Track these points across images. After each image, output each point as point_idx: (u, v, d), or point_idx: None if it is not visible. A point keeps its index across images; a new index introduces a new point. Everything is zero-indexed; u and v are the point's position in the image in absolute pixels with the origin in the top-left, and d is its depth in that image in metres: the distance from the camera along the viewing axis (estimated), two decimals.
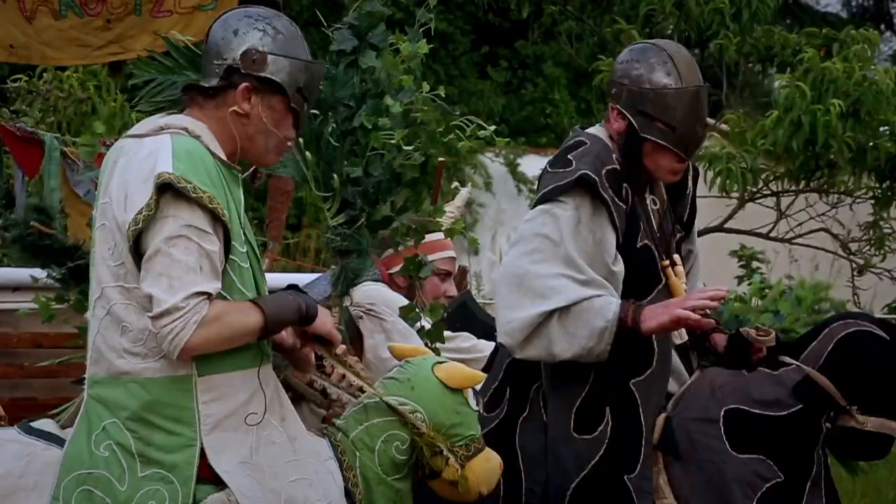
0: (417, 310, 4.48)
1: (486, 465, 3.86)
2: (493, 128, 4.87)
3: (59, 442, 3.64)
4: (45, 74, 9.48)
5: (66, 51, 6.33)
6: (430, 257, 4.96)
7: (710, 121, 10.19)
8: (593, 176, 4.12)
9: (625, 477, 4.14)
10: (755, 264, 11.72)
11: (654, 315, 4.06)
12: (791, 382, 4.18)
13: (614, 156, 4.23)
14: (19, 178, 8.01)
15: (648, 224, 4.27)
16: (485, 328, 6.14)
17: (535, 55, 18.89)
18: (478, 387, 4.17)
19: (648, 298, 4.19)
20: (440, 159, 7.15)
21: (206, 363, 3.54)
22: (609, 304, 4.08)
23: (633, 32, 8.96)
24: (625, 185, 4.20)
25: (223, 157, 3.64)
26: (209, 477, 3.53)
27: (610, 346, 4.08)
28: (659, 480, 4.17)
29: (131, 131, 3.70)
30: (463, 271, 7.22)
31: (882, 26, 25.98)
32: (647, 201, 4.32)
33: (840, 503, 4.30)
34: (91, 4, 6.25)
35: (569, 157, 4.21)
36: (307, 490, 3.64)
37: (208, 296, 3.46)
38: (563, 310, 4.09)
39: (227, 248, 3.55)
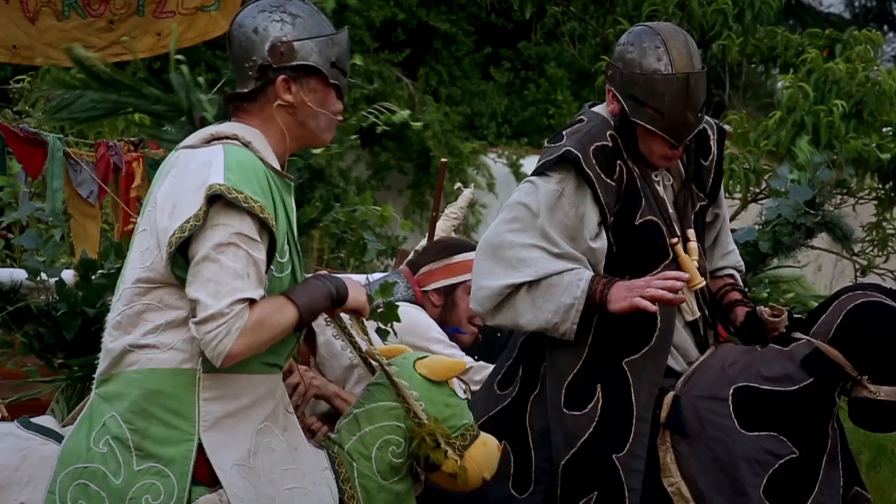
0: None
1: (485, 451, 3.88)
2: (407, 112, 4.92)
3: (57, 438, 3.66)
4: (47, 75, 9.48)
5: None
6: (464, 277, 4.92)
7: (712, 120, 10.20)
8: (575, 152, 4.17)
9: (613, 455, 4.15)
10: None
11: (619, 297, 4.09)
12: (801, 356, 4.19)
13: (609, 133, 4.25)
14: (22, 179, 8.02)
15: (656, 199, 4.28)
16: (487, 327, 6.14)
17: (538, 56, 18.87)
18: (481, 375, 4.16)
19: (655, 272, 4.20)
20: (443, 160, 7.15)
21: (210, 362, 3.54)
22: (579, 279, 4.11)
23: None
24: (619, 162, 4.22)
25: (275, 163, 3.66)
26: (204, 477, 3.54)
27: (576, 324, 4.11)
28: (666, 459, 4.17)
29: (184, 142, 3.72)
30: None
31: (885, 27, 25.94)
32: (658, 177, 4.33)
33: (860, 476, 4.30)
34: (94, 5, 6.25)
35: (563, 132, 4.29)
36: (302, 500, 3.65)
37: (251, 302, 3.48)
38: (533, 282, 4.14)
39: (270, 258, 3.58)
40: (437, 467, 3.85)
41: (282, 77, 3.67)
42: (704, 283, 4.26)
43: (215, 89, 4.23)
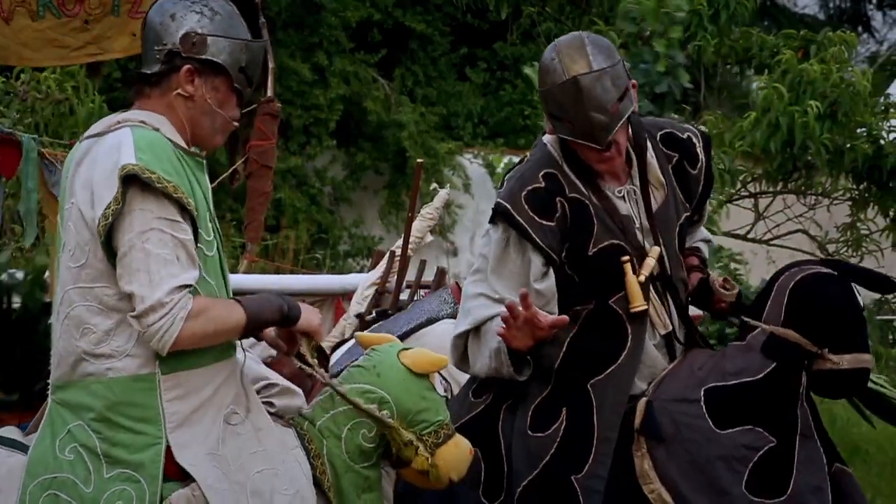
0: None
1: (456, 452, 3.88)
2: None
3: (22, 448, 3.63)
4: (22, 75, 9.45)
5: (43, 51, 6.31)
6: None
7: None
8: (505, 204, 4.22)
9: (572, 477, 4.16)
10: (733, 265, 11.74)
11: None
12: (760, 345, 4.21)
13: (544, 172, 4.27)
14: None
15: (613, 218, 4.27)
16: None
17: (514, 56, 18.86)
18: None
19: (619, 295, 4.22)
20: (419, 161, 7.15)
21: (169, 361, 3.54)
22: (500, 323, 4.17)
23: (612, 34, 8.96)
24: (559, 199, 4.24)
25: (184, 144, 3.65)
26: (175, 474, 3.53)
27: (514, 366, 4.17)
28: (643, 465, 4.18)
29: (89, 132, 3.70)
30: (441, 273, 7.22)
31: (859, 28, 26.04)
32: (622, 192, 4.32)
33: (837, 451, 4.30)
34: (69, 5, 6.23)
35: (506, 177, 4.36)
36: (273, 480, 3.64)
37: (190, 287, 3.47)
38: (474, 330, 4.25)
39: (195, 236, 3.56)
40: (408, 463, 3.85)
41: (187, 67, 3.66)
42: (645, 306, 4.21)
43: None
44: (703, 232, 4.64)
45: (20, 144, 8.11)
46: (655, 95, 7.53)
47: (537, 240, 4.20)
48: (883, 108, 8.76)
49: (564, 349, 4.22)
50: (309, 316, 3.79)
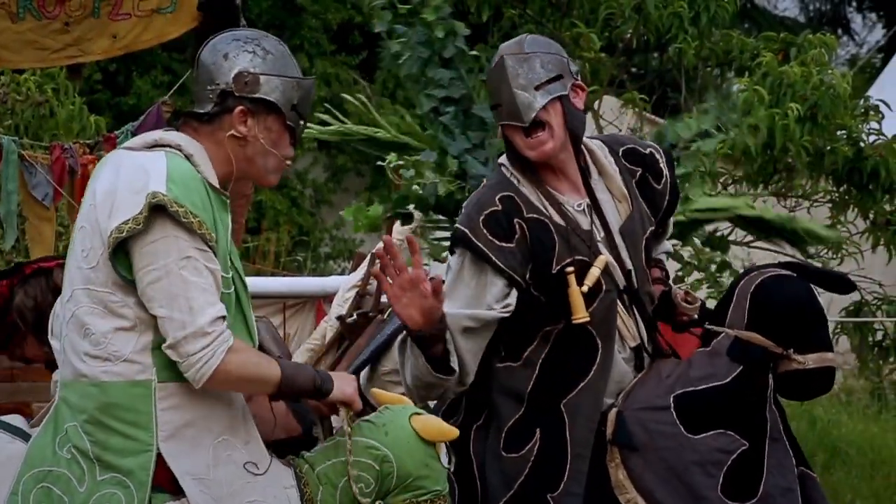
0: None
1: None
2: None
3: (25, 437, 3.66)
4: (2, 77, 9.43)
5: (23, 53, 6.29)
6: None
7: (659, 120, 10.22)
8: (463, 229, 4.24)
9: (548, 495, 4.18)
10: (712, 267, 11.75)
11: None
12: (725, 349, 4.23)
13: (500, 195, 4.30)
14: None
15: (578, 236, 4.28)
16: None
17: None
18: None
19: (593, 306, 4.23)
20: (399, 162, 7.14)
21: (166, 370, 3.54)
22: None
23: (593, 36, 8.97)
24: (517, 221, 4.26)
25: (213, 179, 3.65)
26: (166, 484, 3.53)
27: (425, 358, 4.16)
28: (618, 475, 4.19)
29: (126, 145, 3.72)
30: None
31: (839, 31, 26.12)
32: (581, 205, 4.33)
33: (803, 454, 4.32)
34: (49, 7, 6.21)
35: (464, 204, 4.38)
36: None
37: (226, 320, 3.50)
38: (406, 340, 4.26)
39: None
40: None
41: (241, 108, 3.69)
42: (587, 318, 4.21)
43: (172, 91, 4.25)
44: (665, 244, 4.66)
45: (0, 147, 8.09)
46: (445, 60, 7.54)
47: (498, 262, 4.22)
48: (863, 110, 8.77)
49: (537, 371, 4.25)
50: (343, 387, 3.80)
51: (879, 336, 9.15)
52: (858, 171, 8.56)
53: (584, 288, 4.21)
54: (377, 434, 3.85)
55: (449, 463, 3.97)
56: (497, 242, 4.23)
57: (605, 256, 4.27)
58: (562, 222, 4.28)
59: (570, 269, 4.22)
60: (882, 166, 8.45)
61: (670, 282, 4.58)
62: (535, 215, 4.28)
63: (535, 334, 4.26)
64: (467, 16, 9.85)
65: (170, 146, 3.63)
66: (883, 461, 9.33)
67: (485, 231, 4.24)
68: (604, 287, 4.26)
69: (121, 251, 3.51)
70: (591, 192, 4.35)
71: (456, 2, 9.18)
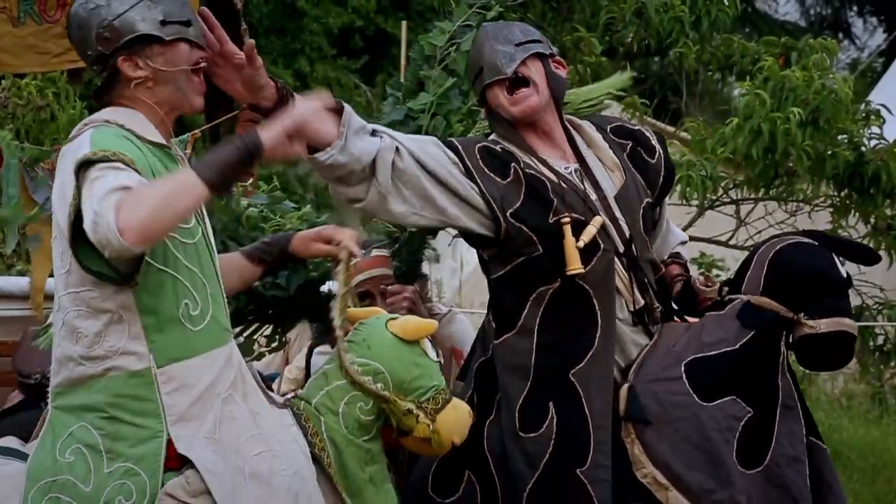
0: None
1: (455, 415, 3.88)
2: None
3: (19, 456, 3.64)
4: (3, 81, 9.44)
5: (24, 58, 6.28)
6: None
7: (670, 128, 10.22)
8: (454, 141, 4.25)
9: (577, 471, 4.13)
10: (715, 272, 11.75)
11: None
12: (736, 313, 4.22)
13: (495, 143, 4.31)
14: None
15: (577, 194, 4.24)
16: None
17: None
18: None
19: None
20: None
21: (162, 354, 3.53)
22: None
23: (594, 41, 8.97)
24: (513, 165, 4.23)
25: (156, 137, 3.60)
26: (176, 467, 3.53)
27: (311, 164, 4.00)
28: (634, 451, 4.17)
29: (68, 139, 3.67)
30: (423, 279, 7.20)
31: (840, 35, 26.13)
32: (567, 171, 4.32)
33: (815, 425, 4.32)
34: (50, 11, 6.20)
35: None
36: (272, 461, 3.64)
37: (126, 187, 3.32)
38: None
39: None
40: (409, 432, 3.85)
41: (121, 58, 3.62)
42: (581, 269, 4.15)
43: None
44: (677, 234, 4.63)
45: (1, 151, 8.10)
46: None
47: (482, 185, 4.16)
48: (864, 115, 8.77)
49: (536, 339, 4.19)
50: (270, 134, 3.55)
51: (880, 340, 9.14)
52: (859, 175, 8.56)
53: (581, 243, 4.16)
54: (361, 350, 3.84)
55: (438, 356, 3.96)
56: (487, 172, 4.20)
57: (601, 217, 4.23)
58: (556, 180, 4.25)
59: (566, 219, 4.17)
60: (883, 171, 8.44)
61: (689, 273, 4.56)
62: (531, 171, 4.25)
63: (528, 296, 4.20)
64: None
65: (97, 123, 3.60)
66: (884, 465, 9.34)
67: (478, 157, 4.22)
68: (601, 246, 4.21)
69: (80, 240, 3.44)
70: (580, 159, 4.33)
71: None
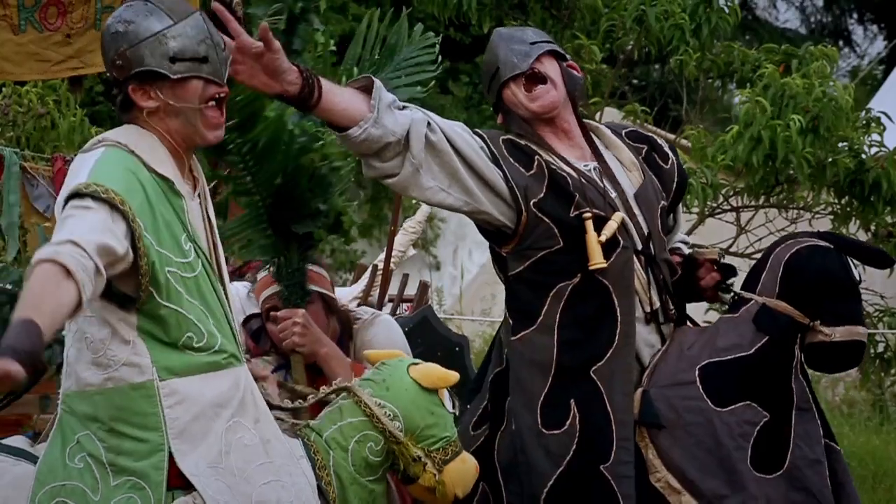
0: None
1: (462, 468, 3.88)
2: None
3: (29, 458, 3.64)
4: (3, 89, 9.44)
5: (25, 66, 6.29)
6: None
7: (670, 136, 10.21)
8: (481, 132, 4.30)
9: (601, 467, 4.12)
10: None
11: None
12: (752, 317, 4.21)
13: (519, 139, 4.33)
14: None
15: (597, 190, 4.25)
16: (445, 343, 6.12)
17: None
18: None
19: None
20: None
21: (165, 369, 3.53)
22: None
23: (594, 48, 8.98)
24: (537, 158, 4.25)
25: (161, 165, 3.60)
26: (181, 484, 3.53)
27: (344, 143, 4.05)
28: (648, 455, 4.16)
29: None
30: (424, 286, 7.22)
31: (840, 42, 26.14)
32: (588, 166, 4.33)
33: (829, 426, 4.30)
34: (51, 19, 6.21)
35: None
36: (280, 492, 3.63)
37: (79, 246, 3.28)
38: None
39: (136, 244, 3.45)
40: (415, 479, 3.85)
41: (131, 87, 3.63)
42: (604, 264, 4.14)
43: None
44: (680, 235, 4.66)
45: (2, 158, 8.11)
46: None
47: (507, 172, 4.19)
48: (864, 122, 8.76)
49: (557, 335, 4.18)
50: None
51: (881, 348, 9.13)
52: (860, 182, 8.56)
53: (603, 237, 4.17)
54: (379, 390, 3.85)
55: (454, 408, 3.96)
56: (512, 161, 4.22)
57: (621, 213, 4.24)
58: (577, 176, 4.26)
59: (588, 214, 4.18)
60: (884, 178, 8.44)
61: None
62: (553, 166, 4.26)
63: (548, 292, 4.19)
64: (469, 27, 9.85)
65: (111, 142, 3.60)
66: (885, 473, 9.33)
67: (502, 146, 4.25)
68: (621, 242, 4.22)
69: None
70: (599, 158, 4.34)
71: (457, 13, 9.17)
